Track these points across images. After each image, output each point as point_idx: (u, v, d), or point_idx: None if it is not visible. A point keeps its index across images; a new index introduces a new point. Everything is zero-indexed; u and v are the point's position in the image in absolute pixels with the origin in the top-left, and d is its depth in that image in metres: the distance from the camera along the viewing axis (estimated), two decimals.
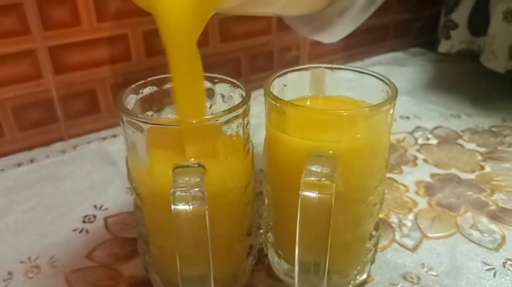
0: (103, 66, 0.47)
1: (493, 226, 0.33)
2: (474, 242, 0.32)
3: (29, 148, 0.45)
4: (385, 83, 0.25)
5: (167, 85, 0.26)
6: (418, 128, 0.49)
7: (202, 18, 0.22)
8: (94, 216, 0.35)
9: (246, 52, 0.57)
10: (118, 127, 0.49)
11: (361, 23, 0.38)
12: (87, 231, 0.34)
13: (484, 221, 0.34)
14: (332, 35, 0.39)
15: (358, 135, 0.23)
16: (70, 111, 0.47)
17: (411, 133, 0.48)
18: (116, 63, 0.47)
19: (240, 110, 0.23)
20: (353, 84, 0.27)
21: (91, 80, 0.47)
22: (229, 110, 0.22)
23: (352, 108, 0.24)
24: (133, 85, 0.25)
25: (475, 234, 0.33)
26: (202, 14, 0.22)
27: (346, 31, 0.38)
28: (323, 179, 0.21)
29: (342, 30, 0.38)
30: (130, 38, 0.47)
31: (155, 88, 0.26)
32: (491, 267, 0.30)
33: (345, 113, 0.22)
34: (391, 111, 0.23)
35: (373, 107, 0.23)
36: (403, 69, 0.66)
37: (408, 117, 0.51)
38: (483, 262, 0.30)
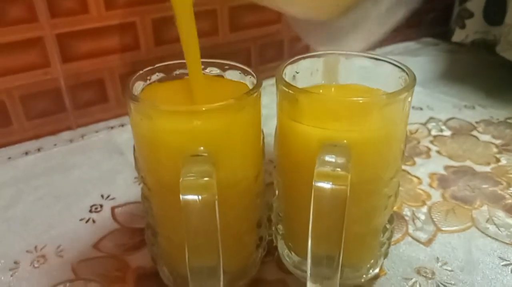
0: (112, 55, 0.46)
1: (510, 220, 0.32)
2: (490, 237, 0.31)
3: (37, 137, 0.45)
4: (402, 70, 0.24)
5: (175, 72, 0.25)
6: (431, 119, 0.48)
7: None
8: (101, 205, 0.35)
9: (256, 41, 0.56)
10: (126, 117, 0.48)
11: (379, 38, 0.35)
12: (93, 221, 0.33)
13: (500, 215, 0.33)
14: (345, 48, 0.36)
15: (374, 125, 0.22)
16: (78, 100, 0.46)
17: (424, 124, 0.47)
18: (124, 52, 0.47)
19: (252, 97, 0.22)
20: (367, 72, 0.26)
21: (99, 69, 0.46)
22: (240, 97, 0.21)
23: (368, 96, 0.24)
24: (141, 72, 0.24)
25: (491, 228, 0.32)
26: None
27: (361, 45, 0.35)
28: (338, 169, 0.20)
29: (356, 44, 0.35)
30: (138, 26, 0.46)
31: (163, 74, 0.25)
32: (508, 262, 0.29)
33: (361, 101, 0.21)
34: (409, 99, 0.22)
35: (390, 95, 0.22)
36: (415, 60, 0.64)
37: (421, 108, 0.50)
38: (499, 257, 0.29)
